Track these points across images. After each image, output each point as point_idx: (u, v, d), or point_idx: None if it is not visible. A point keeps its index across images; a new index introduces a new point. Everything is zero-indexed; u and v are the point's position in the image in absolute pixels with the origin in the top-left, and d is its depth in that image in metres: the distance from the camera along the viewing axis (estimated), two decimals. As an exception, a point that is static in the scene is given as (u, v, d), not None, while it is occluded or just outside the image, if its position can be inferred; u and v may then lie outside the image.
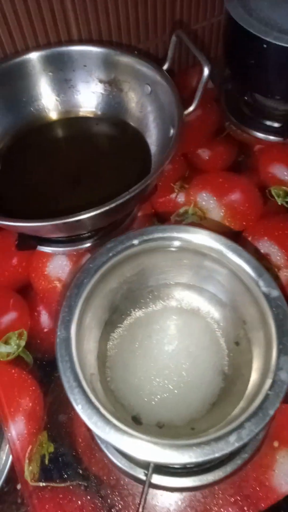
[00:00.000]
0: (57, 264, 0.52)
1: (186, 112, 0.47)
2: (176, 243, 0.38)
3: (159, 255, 0.40)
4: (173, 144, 0.43)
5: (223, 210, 0.57)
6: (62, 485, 0.40)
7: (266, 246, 0.54)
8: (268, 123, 0.65)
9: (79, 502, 0.39)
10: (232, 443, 0.29)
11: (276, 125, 0.65)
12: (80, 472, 0.40)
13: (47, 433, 0.42)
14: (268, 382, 0.32)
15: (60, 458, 0.41)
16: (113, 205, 0.38)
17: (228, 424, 0.31)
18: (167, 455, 0.29)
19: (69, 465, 0.41)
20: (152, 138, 0.54)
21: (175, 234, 0.37)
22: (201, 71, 0.47)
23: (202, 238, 0.37)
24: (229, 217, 0.56)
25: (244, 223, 0.56)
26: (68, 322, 0.33)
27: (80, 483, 0.40)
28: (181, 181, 0.59)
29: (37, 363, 0.46)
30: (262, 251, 0.54)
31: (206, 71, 0.45)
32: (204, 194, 0.58)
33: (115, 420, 0.30)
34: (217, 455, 0.29)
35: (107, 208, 0.38)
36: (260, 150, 0.64)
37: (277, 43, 0.51)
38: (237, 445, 0.29)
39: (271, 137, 0.64)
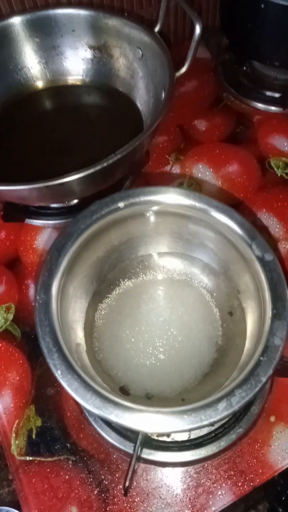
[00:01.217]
0: (46, 237, 0.51)
1: (178, 73, 0.44)
2: (164, 206, 0.36)
3: (148, 221, 0.38)
4: (164, 106, 0.41)
5: (219, 182, 0.55)
6: (49, 459, 0.38)
7: (264, 219, 0.52)
8: (268, 93, 0.63)
9: (67, 477, 0.38)
10: (221, 410, 0.27)
11: (275, 95, 0.62)
12: (68, 446, 0.39)
13: (35, 407, 0.41)
14: (260, 348, 0.30)
15: (47, 432, 0.40)
16: (98, 167, 0.36)
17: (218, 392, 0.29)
18: (152, 423, 0.27)
19: (56, 439, 0.39)
20: (145, 106, 0.51)
21: (162, 196, 0.35)
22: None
23: (194, 199, 0.35)
24: (226, 189, 0.54)
25: (242, 195, 0.54)
26: (48, 286, 0.31)
27: (68, 457, 0.39)
28: (176, 153, 0.57)
29: (25, 336, 0.45)
30: (260, 224, 0.52)
31: (198, 29, 0.43)
32: (200, 166, 0.56)
33: (97, 386, 0.28)
34: (205, 422, 0.27)
35: (92, 170, 0.36)
36: (259, 120, 0.61)
37: (275, 1, 0.49)
38: (226, 413, 0.27)
39: (271, 108, 0.62)
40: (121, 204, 0.35)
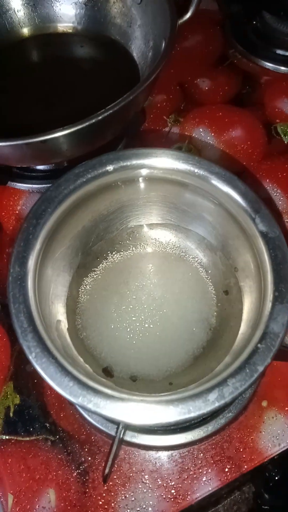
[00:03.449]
0: (32, 202, 0.47)
1: (181, 20, 0.39)
2: (159, 172, 0.32)
3: (140, 188, 0.34)
4: (163, 55, 0.36)
5: (221, 148, 0.50)
6: (27, 439, 0.36)
7: (268, 190, 0.48)
8: (278, 51, 0.58)
9: (44, 458, 0.36)
10: (212, 401, 0.25)
11: (285, 53, 0.57)
12: (47, 426, 0.37)
13: (13, 384, 0.38)
14: (258, 334, 0.27)
15: (26, 411, 0.37)
16: (86, 123, 0.32)
17: (210, 380, 0.26)
18: (134, 414, 0.24)
19: (35, 418, 0.37)
20: (142, 58, 0.46)
21: (156, 160, 0.31)
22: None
23: (192, 164, 0.31)
24: (227, 156, 0.50)
25: (245, 163, 0.49)
26: (23, 258, 0.28)
27: (46, 437, 0.36)
28: (175, 114, 0.52)
29: (6, 309, 0.41)
30: (263, 195, 0.48)
31: None
32: (201, 129, 0.51)
33: (75, 372, 0.25)
34: (193, 415, 0.25)
35: (79, 127, 0.32)
36: (268, 82, 0.56)
37: None
38: (217, 404, 0.25)
39: (281, 68, 0.57)
40: (109, 168, 0.31)
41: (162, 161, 0.31)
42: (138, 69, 0.47)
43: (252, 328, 0.29)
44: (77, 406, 0.37)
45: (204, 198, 0.34)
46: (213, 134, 0.51)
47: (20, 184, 0.47)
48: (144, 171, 0.32)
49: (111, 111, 0.33)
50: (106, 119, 0.33)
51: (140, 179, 0.33)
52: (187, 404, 0.25)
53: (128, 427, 0.35)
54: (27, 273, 0.28)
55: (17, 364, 0.39)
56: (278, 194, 0.47)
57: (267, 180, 0.48)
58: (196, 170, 0.30)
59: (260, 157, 0.50)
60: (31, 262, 0.28)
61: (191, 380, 0.30)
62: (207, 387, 0.25)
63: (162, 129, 0.52)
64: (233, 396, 0.25)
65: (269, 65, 0.57)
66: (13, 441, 0.36)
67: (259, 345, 0.26)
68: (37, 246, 0.29)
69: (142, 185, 0.34)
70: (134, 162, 0.31)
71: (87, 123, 0.32)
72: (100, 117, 0.33)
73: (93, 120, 0.32)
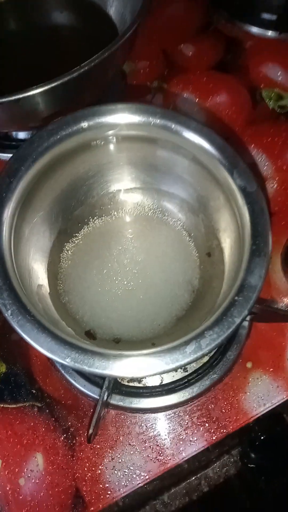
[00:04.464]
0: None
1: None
2: (136, 128, 0.31)
3: (118, 148, 0.34)
4: (140, 11, 0.35)
5: (206, 114, 0.49)
6: (14, 406, 0.36)
7: (252, 155, 0.47)
8: (262, 15, 0.56)
9: (32, 424, 0.36)
10: (190, 353, 0.25)
11: (270, 17, 0.56)
12: (34, 392, 0.37)
13: (-1, 353, 0.38)
14: (236, 286, 0.26)
15: (12, 379, 0.37)
16: (61, 80, 0.31)
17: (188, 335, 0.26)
18: (111, 366, 0.24)
19: (21, 385, 0.37)
20: (122, 21, 0.45)
21: (133, 116, 0.30)
22: None
23: (169, 118, 0.30)
24: (212, 122, 0.49)
25: (230, 129, 0.49)
26: (-3, 216, 0.27)
27: (33, 404, 0.36)
28: (159, 81, 0.51)
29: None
30: (248, 160, 0.47)
31: None
32: (185, 95, 0.50)
33: (53, 328, 0.25)
34: (171, 366, 0.24)
35: (54, 84, 0.31)
36: (252, 47, 0.55)
37: None
38: (194, 356, 0.25)
39: (265, 32, 0.55)
40: (84, 124, 0.30)
41: (138, 116, 0.30)
42: (118, 33, 0.45)
43: (231, 284, 0.28)
44: (62, 371, 0.37)
45: (184, 157, 0.33)
46: (197, 99, 0.50)
47: (1, 154, 0.46)
48: (120, 127, 0.31)
49: (86, 68, 0.32)
50: (82, 77, 0.32)
51: (118, 137, 0.32)
52: (165, 356, 0.25)
53: (115, 390, 0.35)
54: (2, 231, 0.27)
55: (2, 334, 0.39)
56: (263, 159, 0.47)
57: (252, 145, 0.47)
58: (172, 125, 0.30)
59: (245, 122, 0.49)
60: (6, 221, 0.28)
61: (173, 339, 0.30)
62: (185, 339, 0.25)
63: (145, 95, 0.51)
64: (210, 347, 0.25)
65: (253, 29, 0.55)
66: (0, 408, 0.36)
67: (236, 297, 0.26)
68: (12, 203, 0.28)
69: (120, 145, 0.33)
70: (110, 117, 0.30)
71: (60, 81, 0.31)
72: (75, 74, 0.32)
73: (67, 78, 0.32)
